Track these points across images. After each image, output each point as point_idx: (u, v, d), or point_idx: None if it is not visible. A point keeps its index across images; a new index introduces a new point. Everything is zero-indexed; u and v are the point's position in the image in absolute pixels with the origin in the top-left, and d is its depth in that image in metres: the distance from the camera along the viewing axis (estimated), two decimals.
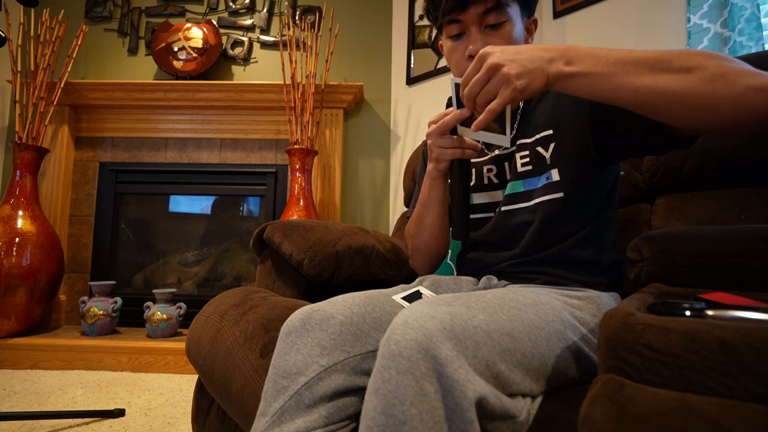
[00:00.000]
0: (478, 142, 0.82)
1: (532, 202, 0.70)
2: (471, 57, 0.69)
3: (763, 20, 1.23)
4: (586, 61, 0.52)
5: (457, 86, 0.62)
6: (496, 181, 0.77)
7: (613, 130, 0.63)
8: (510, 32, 0.69)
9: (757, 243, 0.46)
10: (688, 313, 0.32)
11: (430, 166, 0.74)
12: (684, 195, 0.91)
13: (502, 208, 0.74)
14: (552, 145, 0.70)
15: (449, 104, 0.74)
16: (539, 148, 0.71)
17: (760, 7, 1.23)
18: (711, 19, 1.31)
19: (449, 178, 0.71)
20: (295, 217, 1.94)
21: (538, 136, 0.72)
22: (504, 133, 0.61)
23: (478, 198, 0.79)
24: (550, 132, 0.70)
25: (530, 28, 0.76)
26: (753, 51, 1.21)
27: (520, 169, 0.72)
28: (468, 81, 0.57)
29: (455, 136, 0.67)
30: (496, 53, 0.54)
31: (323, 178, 2.24)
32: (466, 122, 0.65)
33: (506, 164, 0.76)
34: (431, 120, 0.69)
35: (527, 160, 0.72)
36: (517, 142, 0.74)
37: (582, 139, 0.67)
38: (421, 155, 0.96)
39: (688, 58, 0.48)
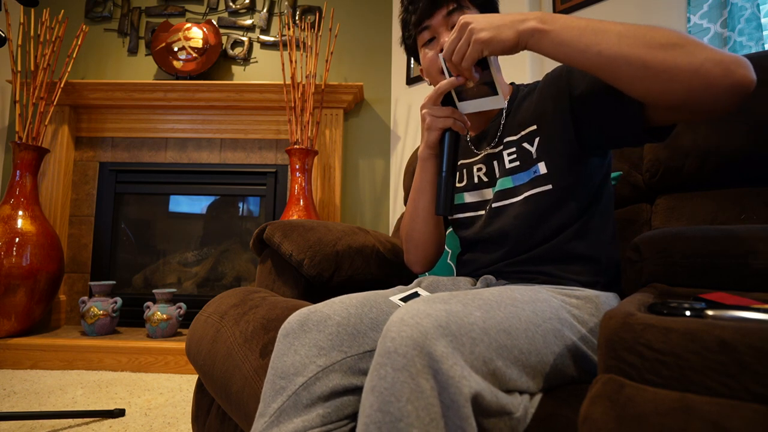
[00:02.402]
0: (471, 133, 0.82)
1: (521, 197, 0.71)
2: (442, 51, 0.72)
3: (763, 20, 1.23)
4: (559, 22, 0.56)
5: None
6: (485, 179, 0.78)
7: (592, 120, 0.65)
8: None
9: (757, 243, 0.46)
10: (688, 313, 0.32)
11: (421, 146, 0.76)
12: (684, 195, 0.91)
13: (493, 205, 0.75)
14: (537, 140, 0.71)
15: None
16: (525, 144, 0.72)
17: (760, 7, 1.23)
18: (711, 19, 1.31)
19: (439, 153, 0.73)
20: (295, 217, 1.94)
21: (523, 133, 0.73)
22: (496, 94, 0.64)
23: (469, 197, 0.80)
24: (534, 127, 0.72)
25: None
26: (753, 51, 1.21)
27: (508, 165, 0.74)
28: (448, 47, 0.62)
29: (448, 107, 0.69)
30: (470, 17, 0.60)
31: (323, 178, 2.24)
32: (462, 96, 0.68)
33: (495, 162, 0.77)
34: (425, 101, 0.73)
35: (514, 156, 0.73)
36: (504, 140, 0.75)
37: (564, 131, 0.68)
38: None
39: (653, 30, 0.51)
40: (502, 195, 0.74)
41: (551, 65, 1.70)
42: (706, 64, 0.48)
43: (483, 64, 0.63)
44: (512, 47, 0.58)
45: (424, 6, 0.74)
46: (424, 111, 0.72)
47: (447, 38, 0.68)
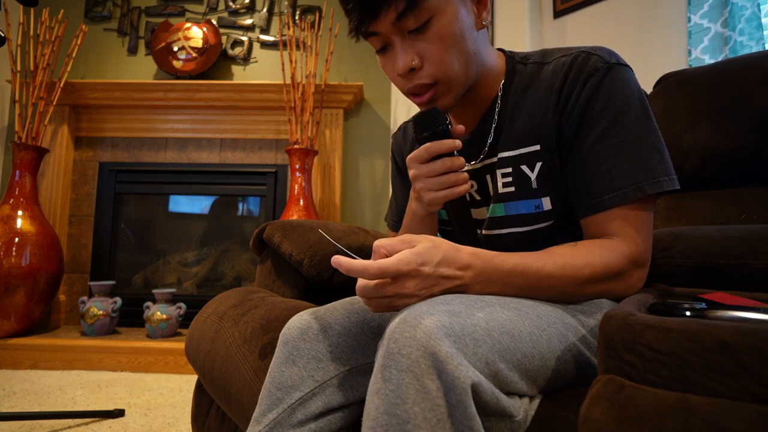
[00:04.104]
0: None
1: (517, 230, 0.63)
2: (400, 76, 0.57)
3: (763, 20, 1.23)
4: (494, 286, 0.49)
5: (415, 122, 0.57)
6: (478, 197, 0.68)
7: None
8: (441, 30, 0.54)
9: (757, 243, 0.45)
10: (688, 313, 0.32)
11: (417, 206, 0.62)
12: (684, 195, 0.91)
13: (484, 232, 0.67)
14: (539, 165, 0.60)
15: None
16: (524, 167, 0.61)
17: (761, 7, 1.23)
18: (711, 18, 1.31)
19: (448, 215, 0.63)
20: (295, 217, 1.94)
21: (523, 151, 0.61)
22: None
23: None
24: (537, 147, 0.60)
25: (481, 6, 0.59)
26: (753, 51, 1.21)
27: (501, 189, 0.63)
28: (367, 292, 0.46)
29: (445, 175, 0.56)
30: (409, 287, 0.44)
31: (323, 178, 2.24)
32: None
33: (488, 177, 0.66)
34: (411, 158, 0.58)
35: (509, 179, 0.62)
36: (499, 154, 0.63)
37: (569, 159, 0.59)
38: (391, 156, 0.86)
39: (564, 279, 0.52)
40: (493, 223, 0.65)
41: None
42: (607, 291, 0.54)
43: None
44: None
45: (363, 2, 0.52)
46: (412, 172, 0.57)
47: (401, 55, 0.55)
